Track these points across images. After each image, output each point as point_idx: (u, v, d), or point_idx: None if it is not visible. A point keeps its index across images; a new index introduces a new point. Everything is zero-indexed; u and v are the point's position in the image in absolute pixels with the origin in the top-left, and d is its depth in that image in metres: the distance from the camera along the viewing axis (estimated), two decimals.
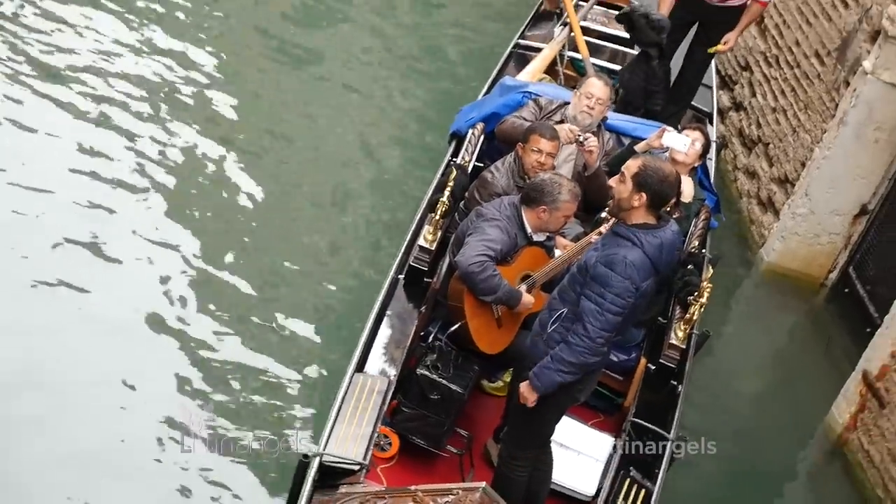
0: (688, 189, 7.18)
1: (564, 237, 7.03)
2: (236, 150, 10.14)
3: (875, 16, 9.38)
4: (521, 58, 10.03)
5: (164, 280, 8.26)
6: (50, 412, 6.79)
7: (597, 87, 7.55)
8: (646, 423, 6.67)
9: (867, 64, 9.27)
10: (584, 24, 10.03)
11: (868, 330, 8.64)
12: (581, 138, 7.10)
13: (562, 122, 7.48)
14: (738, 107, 11.73)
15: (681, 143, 7.49)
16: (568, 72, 9.64)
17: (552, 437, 6.10)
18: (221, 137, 10.15)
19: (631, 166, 5.40)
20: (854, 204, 9.83)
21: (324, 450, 5.66)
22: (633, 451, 6.50)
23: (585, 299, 5.24)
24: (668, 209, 5.64)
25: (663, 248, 5.25)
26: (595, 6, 10.64)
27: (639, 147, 7.59)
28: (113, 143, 9.55)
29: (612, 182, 6.13)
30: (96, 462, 6.63)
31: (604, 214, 6.84)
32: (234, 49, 12.18)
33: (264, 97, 11.32)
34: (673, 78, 9.77)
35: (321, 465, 5.58)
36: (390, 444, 6.22)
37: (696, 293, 7.06)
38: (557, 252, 6.76)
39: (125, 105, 10.26)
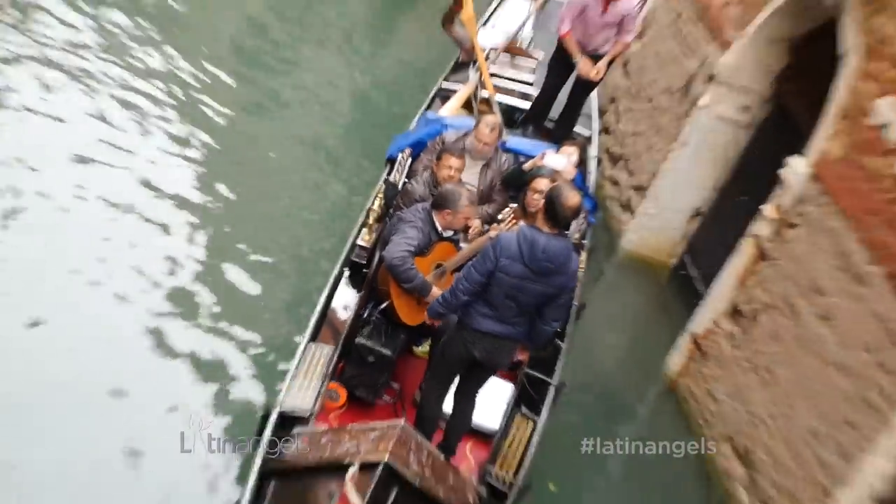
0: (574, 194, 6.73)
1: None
2: (209, 168, 10.49)
3: (709, 64, 10.43)
4: (444, 97, 10.54)
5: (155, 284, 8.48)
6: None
7: (484, 134, 8.06)
8: (536, 373, 7.56)
9: (702, 100, 10.39)
10: (493, 69, 10.73)
11: (696, 302, 9.68)
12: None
13: (463, 150, 7.99)
14: (606, 131, 12.40)
15: (558, 161, 8.23)
16: (482, 107, 10.16)
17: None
18: (193, 157, 10.49)
19: (542, 184, 7.01)
20: (690, 207, 11.00)
21: (282, 402, 6.45)
22: (526, 395, 7.40)
23: None
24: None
25: (535, 246, 5.94)
26: (501, 55, 11.35)
27: (525, 166, 8.26)
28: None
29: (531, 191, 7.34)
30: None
31: (501, 217, 7.51)
32: (193, 79, 12.00)
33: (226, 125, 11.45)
34: (561, 109, 10.59)
35: (280, 416, 6.35)
36: (339, 396, 6.95)
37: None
38: (463, 245, 7.50)
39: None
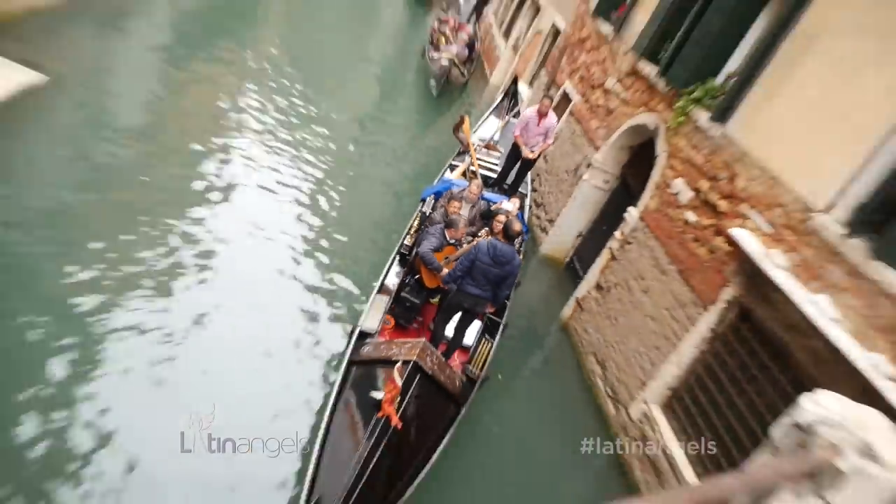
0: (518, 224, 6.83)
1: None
2: (317, 188, 9.95)
3: (588, 158, 10.39)
4: (452, 167, 10.39)
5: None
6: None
7: (473, 190, 7.97)
8: (493, 317, 7.51)
9: (585, 176, 10.28)
10: (478, 155, 10.70)
11: (578, 281, 9.44)
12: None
13: (462, 197, 7.78)
14: (535, 190, 11.82)
15: (510, 206, 8.33)
16: (471, 175, 9.66)
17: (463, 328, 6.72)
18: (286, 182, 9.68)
19: (501, 218, 7.02)
20: (576, 231, 10.73)
21: (361, 324, 6.50)
22: (488, 328, 7.43)
23: None
24: (515, 240, 6.36)
25: (496, 248, 6.12)
26: (482, 148, 11.40)
27: (493, 207, 8.21)
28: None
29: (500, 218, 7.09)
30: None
31: (479, 235, 7.48)
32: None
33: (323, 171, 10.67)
34: (512, 178, 10.31)
35: (360, 331, 6.36)
36: (390, 322, 6.94)
37: None
38: (460, 248, 7.17)
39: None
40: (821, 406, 1.17)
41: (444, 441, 5.48)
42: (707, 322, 6.61)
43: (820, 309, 5.27)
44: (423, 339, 5.72)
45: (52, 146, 7.99)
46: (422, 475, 5.00)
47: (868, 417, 1.17)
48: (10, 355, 5.30)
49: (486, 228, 7.73)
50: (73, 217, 7.04)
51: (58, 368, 5.37)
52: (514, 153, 10.13)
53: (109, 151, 8.39)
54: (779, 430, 1.20)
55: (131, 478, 4.84)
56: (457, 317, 6.73)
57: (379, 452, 4.60)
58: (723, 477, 1.34)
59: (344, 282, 8.16)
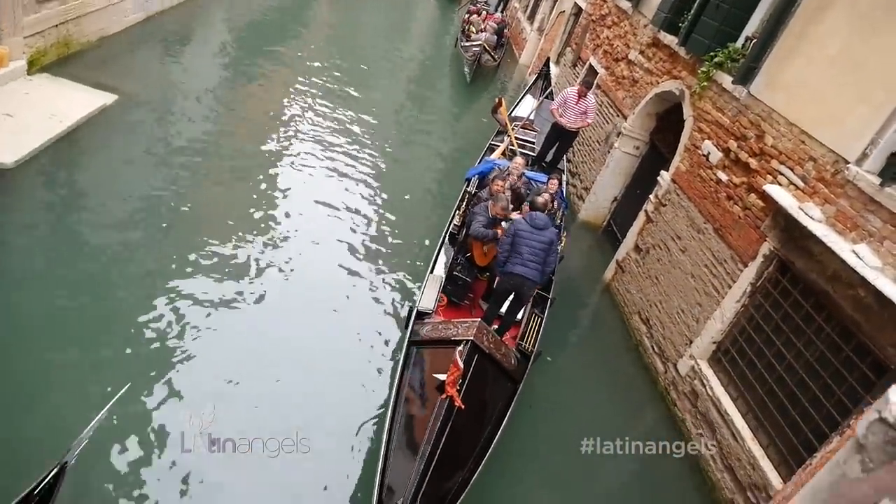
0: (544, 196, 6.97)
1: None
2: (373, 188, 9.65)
3: (618, 126, 10.01)
4: (491, 148, 10.14)
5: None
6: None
7: (516, 167, 7.77)
8: (542, 293, 7.11)
9: (616, 144, 9.93)
10: (516, 134, 10.41)
11: (617, 244, 9.18)
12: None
13: (507, 173, 7.64)
14: (570, 161, 11.16)
15: (542, 198, 7.48)
16: (511, 154, 9.45)
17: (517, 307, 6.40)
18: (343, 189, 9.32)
19: (547, 199, 6.72)
20: (611, 196, 10.40)
21: (417, 304, 6.26)
22: (537, 302, 6.98)
23: None
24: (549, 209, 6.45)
25: (532, 216, 6.04)
26: (520, 128, 10.95)
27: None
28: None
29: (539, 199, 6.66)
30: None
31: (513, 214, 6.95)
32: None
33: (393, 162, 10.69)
34: (550, 156, 10.10)
35: (417, 311, 6.11)
36: (443, 300, 6.66)
37: (560, 239, 7.47)
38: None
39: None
40: None
41: (506, 418, 5.19)
42: (747, 277, 6.26)
43: (861, 257, 4.87)
44: (479, 319, 5.51)
45: (126, 158, 8.13)
46: (489, 453, 4.73)
47: None
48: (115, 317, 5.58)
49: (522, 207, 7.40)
50: (149, 218, 7.19)
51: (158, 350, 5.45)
52: (553, 132, 9.82)
53: (175, 162, 8.46)
54: (863, 426, 0.95)
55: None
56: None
57: (446, 434, 4.36)
58: None
59: (400, 265, 7.97)
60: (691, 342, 6.91)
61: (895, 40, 5.07)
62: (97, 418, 3.38)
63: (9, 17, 8.03)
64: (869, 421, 1.01)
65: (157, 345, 5.45)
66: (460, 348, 4.94)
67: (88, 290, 5.83)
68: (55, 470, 3.19)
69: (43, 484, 3.13)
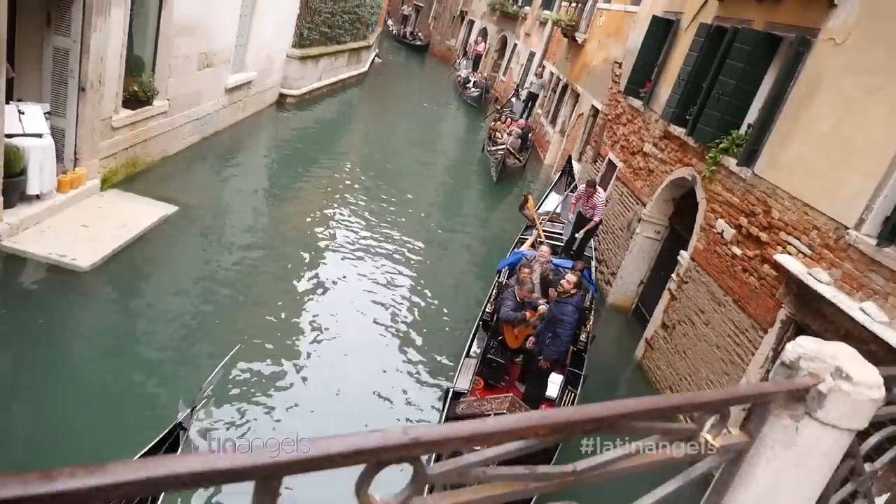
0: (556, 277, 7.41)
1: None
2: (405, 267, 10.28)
3: (638, 213, 10.38)
4: (521, 241, 10.56)
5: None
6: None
7: (542, 255, 8.02)
8: (575, 370, 7.29)
9: (638, 230, 10.25)
10: (544, 227, 10.78)
11: (646, 323, 9.31)
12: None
13: (531, 264, 7.85)
14: (596, 249, 11.49)
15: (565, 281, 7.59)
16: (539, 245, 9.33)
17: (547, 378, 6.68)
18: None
19: (571, 280, 6.80)
20: (637, 280, 10.60)
21: (454, 385, 6.48)
22: (570, 380, 7.11)
23: None
24: (572, 293, 6.54)
25: (555, 303, 6.48)
26: (547, 221, 11.43)
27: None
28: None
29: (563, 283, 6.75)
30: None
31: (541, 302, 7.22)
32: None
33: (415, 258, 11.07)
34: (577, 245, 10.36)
35: (453, 392, 6.31)
36: (479, 382, 6.78)
37: (589, 319, 8.02)
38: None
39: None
40: (801, 346, 1.31)
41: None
42: (768, 343, 6.48)
43: (868, 314, 5.13)
44: (511, 394, 5.72)
45: (185, 258, 8.94)
46: None
47: (838, 349, 1.30)
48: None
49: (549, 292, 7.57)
50: (203, 310, 7.77)
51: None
52: (578, 223, 10.30)
53: (230, 260, 9.22)
54: (772, 373, 1.35)
55: None
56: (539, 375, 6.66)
57: None
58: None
59: (436, 350, 8.22)
60: None
61: (876, 114, 5.54)
62: None
63: (88, 142, 9.04)
64: (775, 368, 1.26)
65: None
66: None
67: (153, 371, 6.42)
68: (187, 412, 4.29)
69: (172, 430, 4.26)
